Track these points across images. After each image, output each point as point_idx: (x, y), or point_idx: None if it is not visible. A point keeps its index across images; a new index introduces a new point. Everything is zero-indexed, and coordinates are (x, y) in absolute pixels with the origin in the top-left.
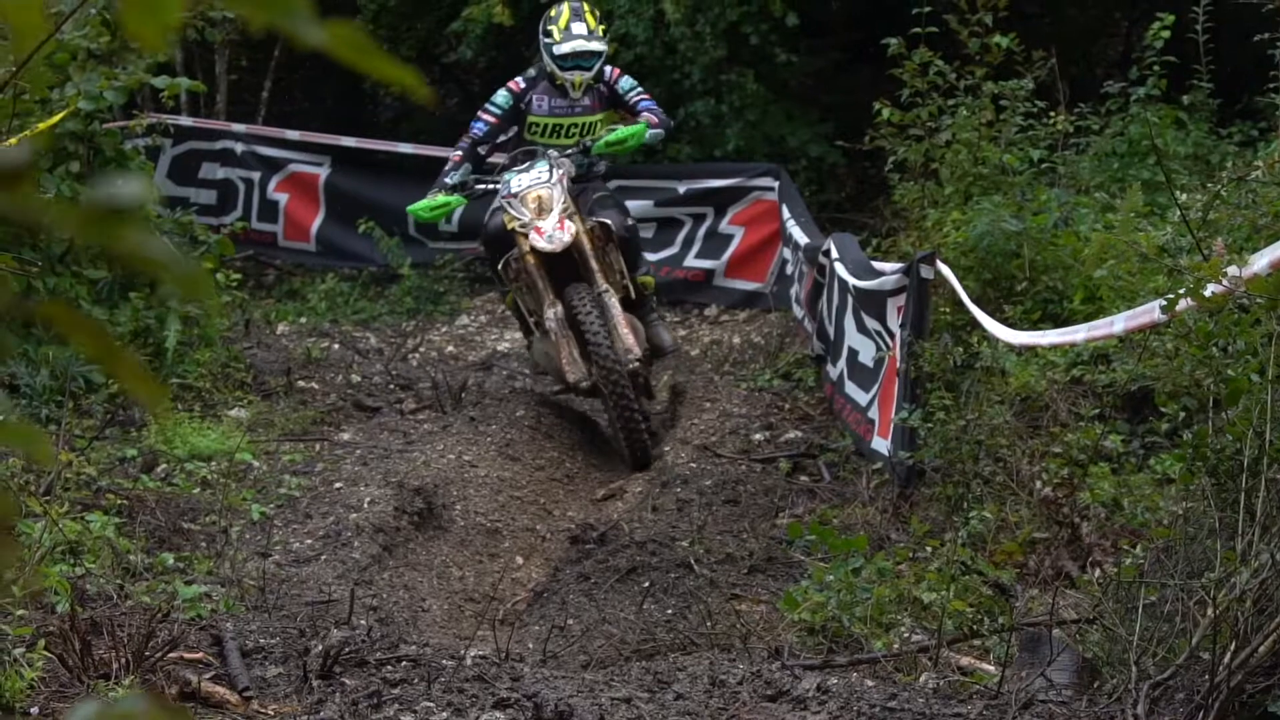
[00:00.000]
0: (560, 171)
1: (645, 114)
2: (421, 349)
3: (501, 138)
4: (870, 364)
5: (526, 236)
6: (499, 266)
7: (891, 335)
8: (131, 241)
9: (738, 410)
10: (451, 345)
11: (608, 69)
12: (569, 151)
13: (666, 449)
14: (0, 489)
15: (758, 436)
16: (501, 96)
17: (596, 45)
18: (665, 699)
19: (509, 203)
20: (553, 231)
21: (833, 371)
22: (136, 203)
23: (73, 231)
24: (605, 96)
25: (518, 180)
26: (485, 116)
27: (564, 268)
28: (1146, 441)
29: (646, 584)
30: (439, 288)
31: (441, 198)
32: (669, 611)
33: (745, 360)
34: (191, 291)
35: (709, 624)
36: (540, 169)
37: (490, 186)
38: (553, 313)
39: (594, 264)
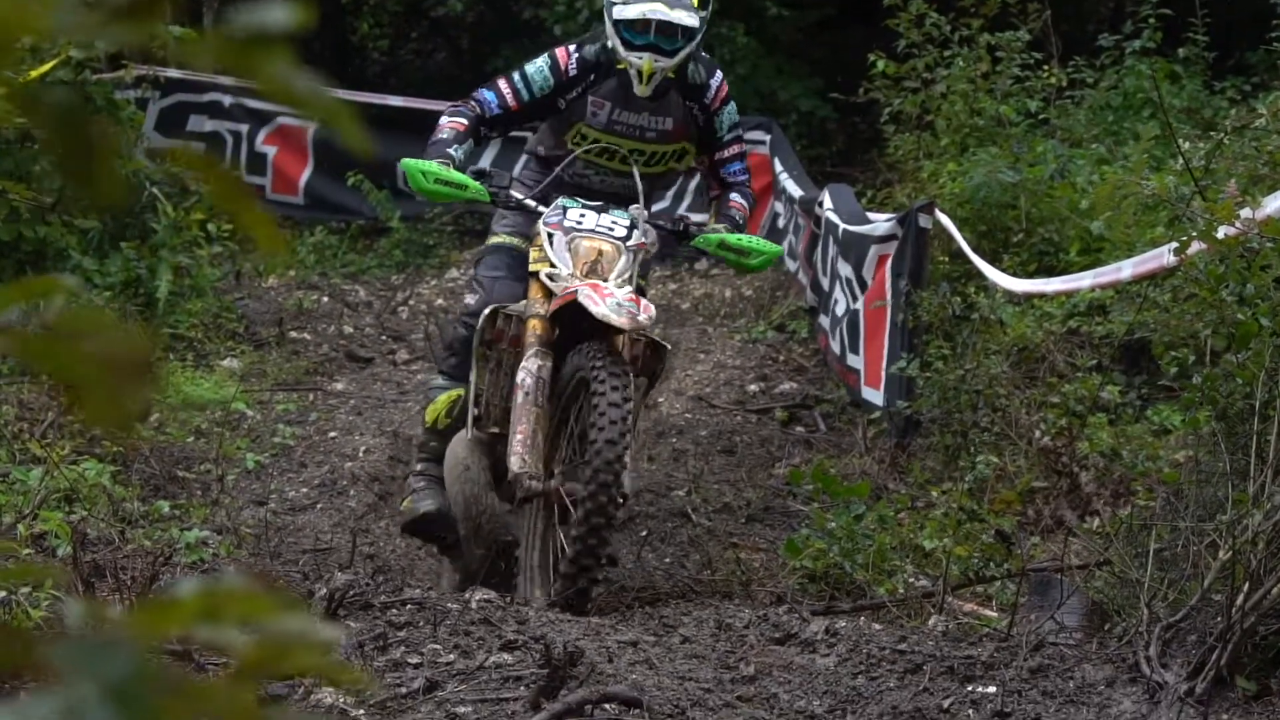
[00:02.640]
0: (643, 239)
1: (736, 195)
2: (411, 302)
3: (517, 131)
4: (841, 313)
5: (554, 293)
6: (484, 317)
7: (863, 284)
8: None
9: (731, 362)
10: (441, 298)
11: (714, 78)
12: (660, 222)
13: (661, 400)
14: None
15: (752, 388)
16: (538, 73)
17: (689, 18)
18: (672, 643)
19: (552, 236)
20: (623, 301)
21: (825, 322)
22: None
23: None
24: (697, 122)
25: (582, 215)
26: (505, 92)
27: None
28: (1143, 392)
29: (644, 533)
30: (428, 241)
31: (457, 174)
32: (667, 560)
33: (736, 313)
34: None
35: (709, 571)
36: (619, 219)
37: (529, 203)
38: (535, 366)
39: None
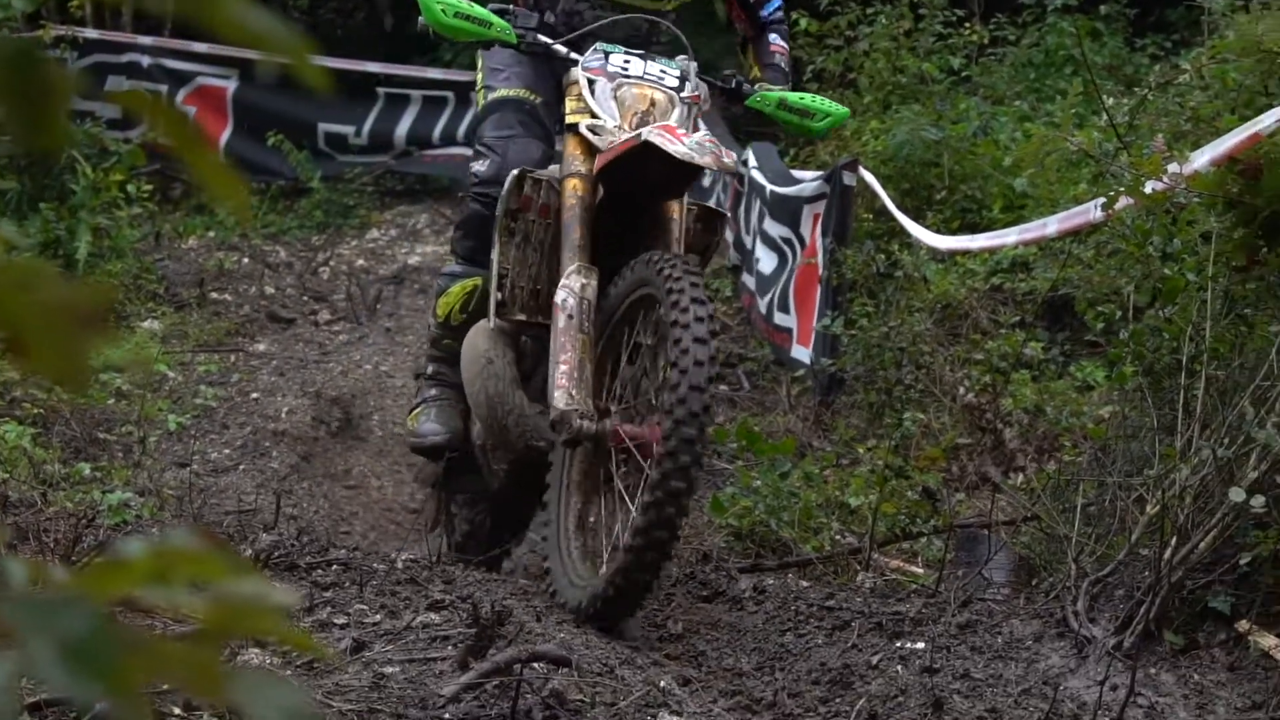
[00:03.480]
0: (696, 92)
1: (775, 37)
2: (332, 262)
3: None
4: (769, 272)
5: (596, 147)
6: (508, 186)
7: (802, 243)
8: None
9: None
10: (362, 259)
11: None
12: (710, 78)
13: None
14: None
15: None
16: None
17: None
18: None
19: (594, 83)
20: (703, 140)
21: (749, 281)
22: None
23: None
24: None
25: (627, 60)
26: None
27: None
28: (1066, 349)
29: None
30: (348, 201)
31: (479, 9)
32: (591, 518)
33: None
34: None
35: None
36: (668, 68)
37: (559, 48)
38: (578, 284)
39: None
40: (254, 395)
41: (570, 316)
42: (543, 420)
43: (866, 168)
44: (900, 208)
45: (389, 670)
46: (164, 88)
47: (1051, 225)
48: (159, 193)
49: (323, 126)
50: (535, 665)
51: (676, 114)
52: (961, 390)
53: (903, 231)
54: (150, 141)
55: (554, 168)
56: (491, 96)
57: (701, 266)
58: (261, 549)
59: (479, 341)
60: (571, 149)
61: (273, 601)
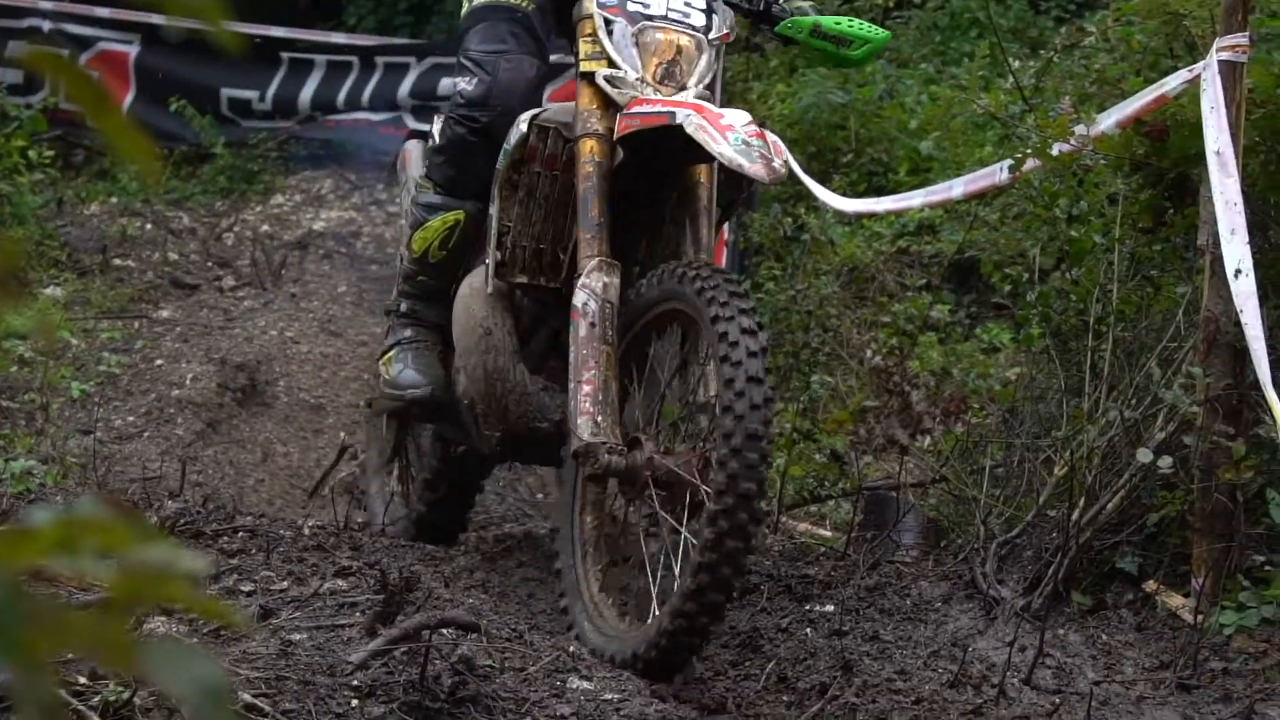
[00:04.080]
0: (725, 29)
1: None
2: (236, 228)
3: None
4: None
5: (615, 102)
6: (517, 138)
7: None
8: None
9: None
10: (266, 224)
11: None
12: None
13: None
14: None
15: None
16: None
17: None
18: (508, 566)
19: (611, 24)
20: (750, 138)
21: None
22: None
23: None
24: None
25: None
26: None
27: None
28: (973, 311)
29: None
30: (253, 166)
31: None
32: (500, 484)
33: None
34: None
35: (543, 494)
36: (692, 2)
37: None
38: (599, 284)
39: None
40: (158, 362)
41: (592, 324)
42: (547, 398)
43: (773, 131)
44: (806, 171)
45: (296, 637)
46: (65, 53)
47: (957, 188)
48: (61, 159)
49: (226, 92)
50: (444, 631)
51: (704, 61)
52: (869, 353)
53: (809, 195)
54: (52, 107)
55: (554, 103)
56: (477, 1)
57: (722, 220)
58: (167, 516)
59: (475, 308)
60: (586, 102)
61: (180, 569)
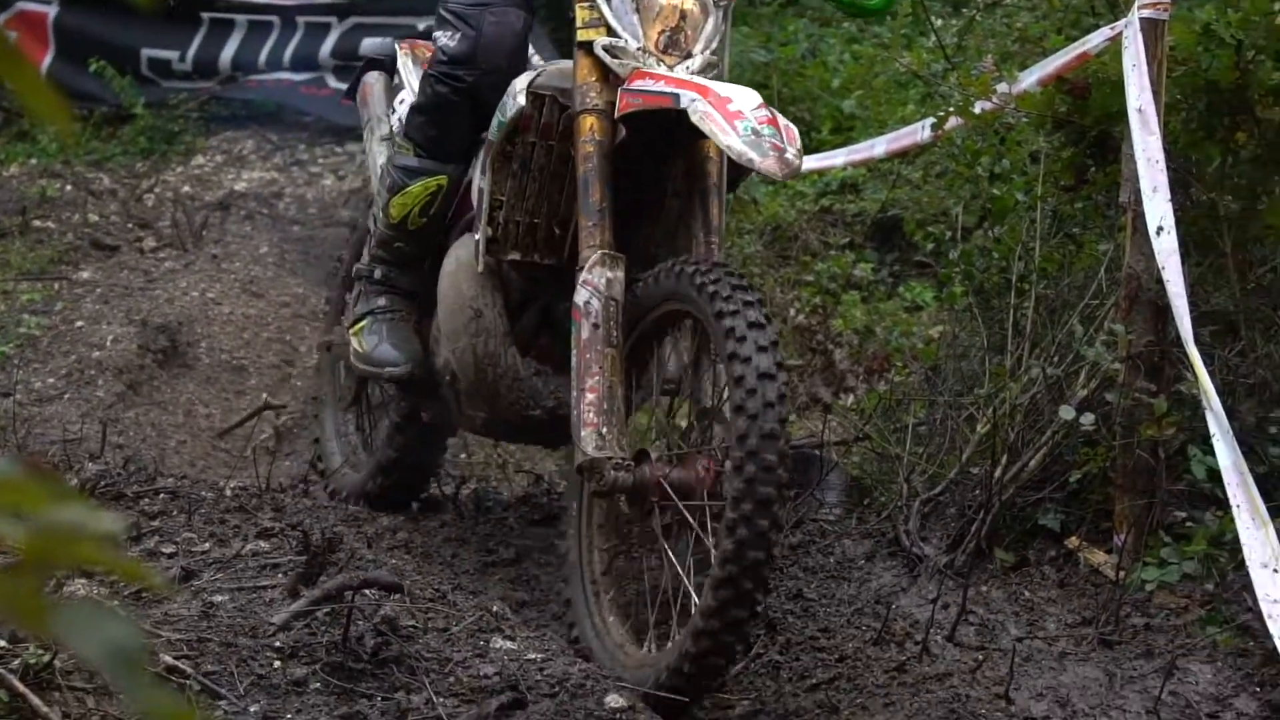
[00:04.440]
0: None
1: None
2: (157, 189)
3: None
4: None
5: (615, 74)
6: (515, 111)
7: None
8: None
9: None
10: (187, 185)
11: None
12: None
13: None
14: None
15: None
16: None
17: None
18: (431, 526)
19: None
20: (761, 126)
21: None
22: None
23: None
24: None
25: None
26: None
27: None
28: (895, 269)
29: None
30: (173, 127)
31: None
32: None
33: None
34: None
35: (466, 455)
36: None
37: None
38: (602, 279)
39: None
40: (78, 324)
41: (595, 325)
42: (540, 383)
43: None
44: None
45: (218, 599)
46: None
47: (880, 146)
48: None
49: (146, 52)
50: (367, 592)
51: (711, 23)
52: (792, 312)
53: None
54: None
55: (547, 62)
56: None
57: (732, 190)
58: (88, 478)
59: (464, 286)
60: (585, 74)
61: (99, 530)
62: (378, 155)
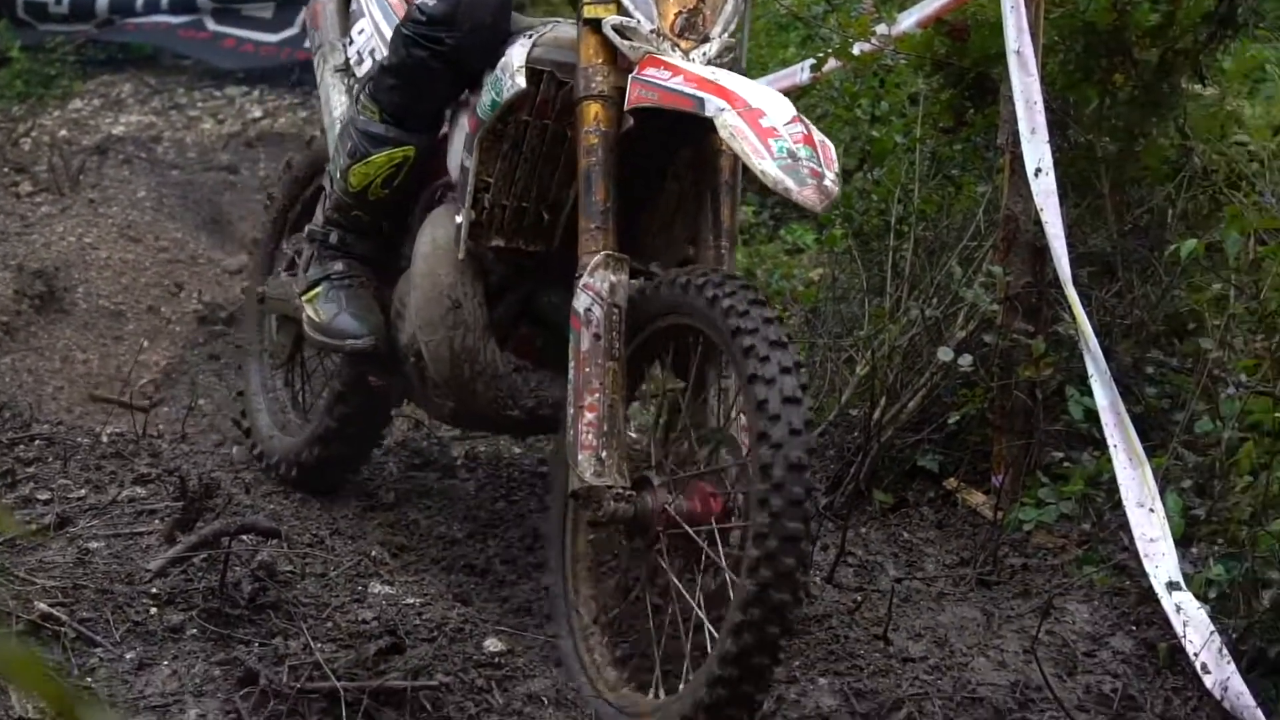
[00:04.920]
0: None
1: None
2: (34, 133)
3: None
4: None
5: (626, 57)
6: (515, 92)
7: None
8: None
9: None
10: (64, 129)
11: None
12: None
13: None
14: None
15: None
16: None
17: None
18: None
19: None
20: (798, 148)
21: None
22: None
23: None
24: None
25: None
26: None
27: None
28: (776, 212)
29: None
30: (50, 71)
31: None
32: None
33: None
34: None
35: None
36: None
37: None
38: (604, 284)
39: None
40: None
41: (596, 336)
42: (520, 380)
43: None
44: None
45: (94, 545)
46: None
47: None
48: None
49: None
50: (244, 537)
51: (730, 4)
52: None
53: None
54: None
55: (541, 25)
56: None
57: None
58: None
59: (441, 274)
60: (591, 55)
61: None
62: (331, 90)
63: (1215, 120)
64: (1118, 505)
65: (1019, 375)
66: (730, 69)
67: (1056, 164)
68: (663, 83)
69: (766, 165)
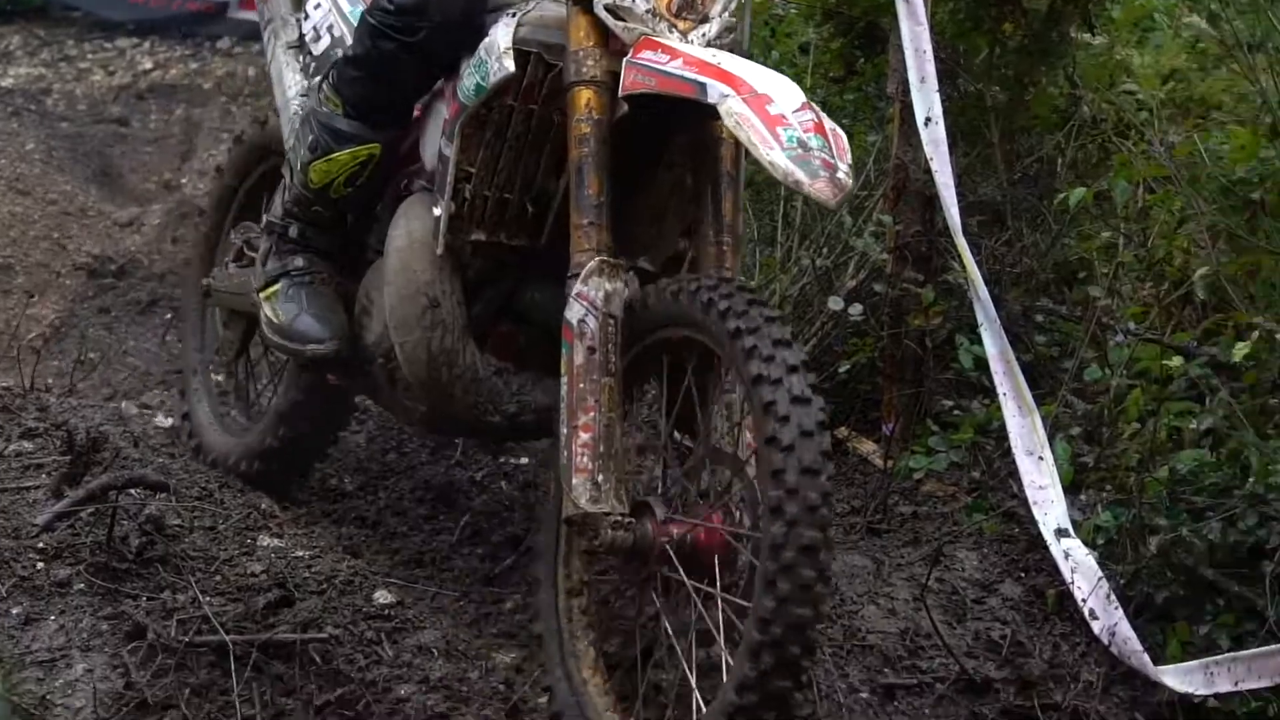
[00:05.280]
0: None
1: None
2: None
3: None
4: None
5: (620, 39)
6: (504, 77)
7: None
8: None
9: None
10: None
11: None
12: None
13: (184, 181)
14: None
15: None
16: None
17: None
18: None
19: None
20: (809, 137)
21: None
22: None
23: None
24: None
25: None
26: None
27: None
28: None
29: (169, 316)
30: None
31: None
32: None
33: (261, 92)
34: None
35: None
36: None
37: None
38: (599, 293)
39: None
40: None
41: (591, 349)
42: (501, 384)
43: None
44: None
45: None
46: None
47: None
48: None
49: None
50: (132, 491)
51: None
52: None
53: None
54: None
55: (516, 2)
56: None
57: None
58: None
59: (417, 270)
60: (581, 37)
61: None
62: (283, 68)
63: (1104, 69)
64: (1007, 453)
65: (909, 324)
66: (731, 50)
67: (946, 113)
68: (660, 67)
69: (776, 156)
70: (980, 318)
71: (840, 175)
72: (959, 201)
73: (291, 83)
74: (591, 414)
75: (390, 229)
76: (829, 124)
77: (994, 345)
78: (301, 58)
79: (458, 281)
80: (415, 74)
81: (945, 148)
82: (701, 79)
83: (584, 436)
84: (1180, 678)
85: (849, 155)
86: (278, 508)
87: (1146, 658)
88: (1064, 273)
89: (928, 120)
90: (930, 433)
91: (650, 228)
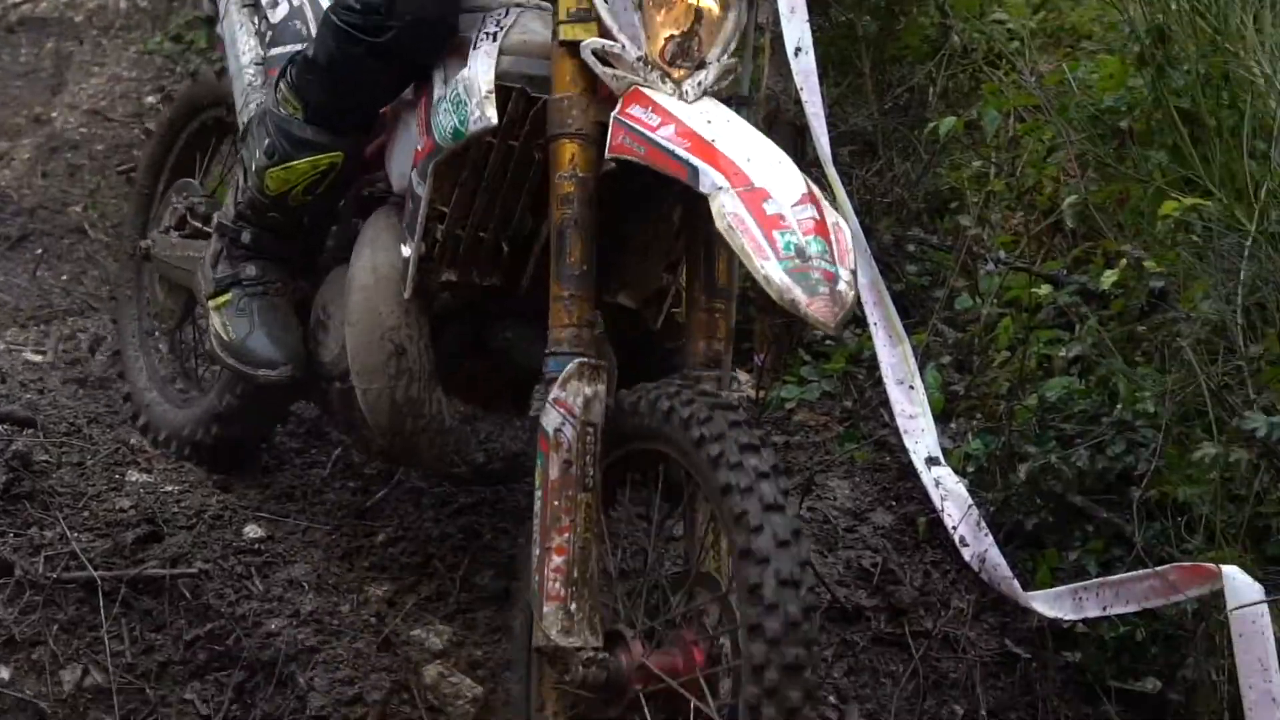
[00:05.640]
0: None
1: None
2: None
3: None
4: None
5: (609, 87)
6: (487, 121)
7: None
8: None
9: (127, 74)
10: None
11: None
12: None
13: (55, 115)
14: None
15: (149, 100)
16: None
17: None
18: (79, 354)
19: None
20: (810, 244)
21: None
22: None
23: None
24: None
25: None
26: None
27: None
28: None
29: (39, 251)
30: None
31: None
32: (64, 277)
33: (132, 25)
34: None
35: (107, 288)
36: None
37: None
38: (579, 398)
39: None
40: None
41: (567, 463)
42: (468, 432)
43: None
44: None
45: None
46: None
47: None
48: None
49: None
50: None
51: (731, 21)
52: None
53: None
54: None
55: (501, 14)
56: None
57: None
58: None
59: (382, 312)
60: (566, 84)
61: None
62: (238, 30)
63: None
64: (878, 382)
65: None
66: (731, 92)
67: (816, 43)
68: (650, 134)
69: (771, 269)
70: None
71: (841, 287)
72: (830, 131)
73: (246, 47)
74: (566, 535)
75: (354, 256)
76: (831, 217)
77: (865, 275)
78: (256, 20)
79: (425, 323)
80: (383, 77)
81: (815, 78)
82: (694, 162)
83: (556, 560)
84: (1049, 603)
85: (851, 257)
86: (149, 444)
87: (1016, 584)
88: (935, 202)
89: (798, 50)
90: (802, 363)
91: (631, 260)
